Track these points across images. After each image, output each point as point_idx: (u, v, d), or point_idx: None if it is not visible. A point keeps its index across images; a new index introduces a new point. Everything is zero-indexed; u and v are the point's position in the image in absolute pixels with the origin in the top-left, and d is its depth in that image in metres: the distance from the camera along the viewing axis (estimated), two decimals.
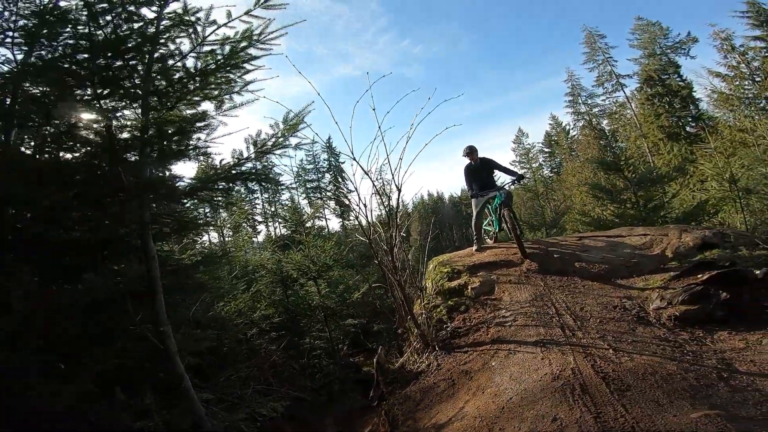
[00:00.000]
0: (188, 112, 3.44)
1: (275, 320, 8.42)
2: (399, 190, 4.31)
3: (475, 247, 5.72)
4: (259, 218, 30.48)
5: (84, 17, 2.87)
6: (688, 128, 25.62)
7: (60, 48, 2.96)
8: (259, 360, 6.19)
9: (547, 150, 43.18)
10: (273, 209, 32.35)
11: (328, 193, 35.25)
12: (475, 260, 5.20)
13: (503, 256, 5.16)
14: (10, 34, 3.08)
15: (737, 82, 21.07)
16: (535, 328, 3.55)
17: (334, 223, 34.38)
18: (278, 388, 5.41)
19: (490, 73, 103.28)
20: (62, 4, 2.96)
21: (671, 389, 2.37)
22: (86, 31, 2.87)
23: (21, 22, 3.14)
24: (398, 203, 4.40)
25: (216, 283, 6.26)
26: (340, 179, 35.45)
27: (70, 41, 2.91)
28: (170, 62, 3.12)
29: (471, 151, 5.76)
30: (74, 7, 2.89)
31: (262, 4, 3.20)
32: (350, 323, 9.55)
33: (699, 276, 3.54)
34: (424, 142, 4.33)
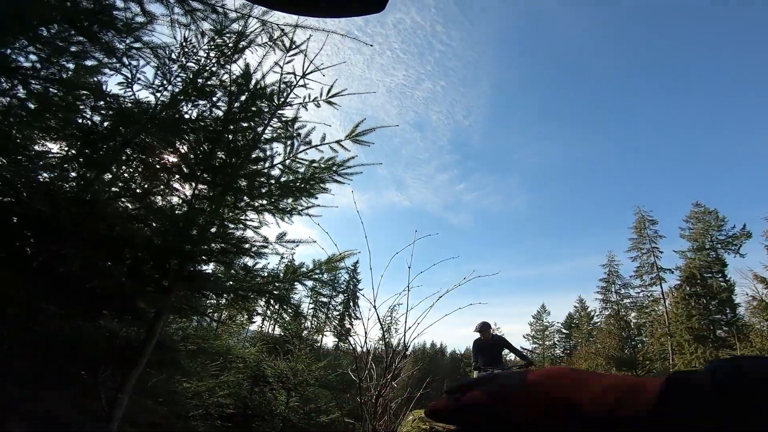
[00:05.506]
0: (251, 215, 3.47)
1: (227, 411, 8.08)
2: (405, 353, 3.99)
3: None
4: (259, 309, 29.51)
5: (219, 93, 3.16)
6: (719, 332, 24.14)
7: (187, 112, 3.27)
8: None
9: (565, 331, 41.22)
10: (276, 307, 31.54)
11: (336, 314, 34.43)
12: None
13: None
14: (166, 83, 3.32)
15: None
16: None
17: (327, 340, 32.95)
18: None
19: (534, 239, 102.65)
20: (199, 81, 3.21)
21: None
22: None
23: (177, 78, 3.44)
24: (399, 361, 4.19)
25: (189, 363, 6.05)
26: (352, 304, 34.84)
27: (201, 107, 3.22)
28: (260, 165, 3.30)
29: (483, 329, 5.70)
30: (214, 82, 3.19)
31: (351, 137, 3.39)
32: None
33: None
34: (443, 301, 4.12)
